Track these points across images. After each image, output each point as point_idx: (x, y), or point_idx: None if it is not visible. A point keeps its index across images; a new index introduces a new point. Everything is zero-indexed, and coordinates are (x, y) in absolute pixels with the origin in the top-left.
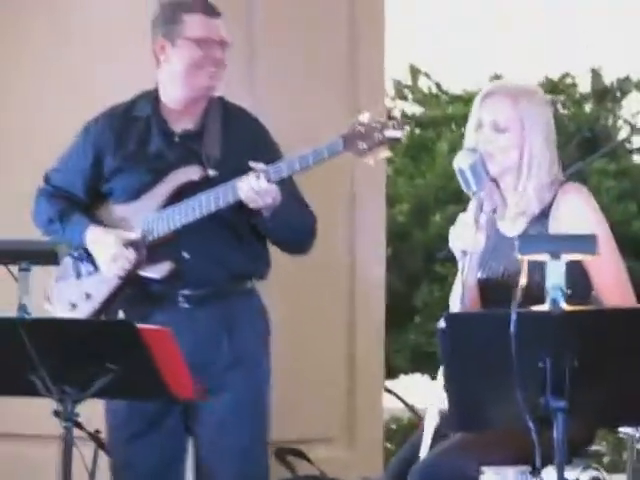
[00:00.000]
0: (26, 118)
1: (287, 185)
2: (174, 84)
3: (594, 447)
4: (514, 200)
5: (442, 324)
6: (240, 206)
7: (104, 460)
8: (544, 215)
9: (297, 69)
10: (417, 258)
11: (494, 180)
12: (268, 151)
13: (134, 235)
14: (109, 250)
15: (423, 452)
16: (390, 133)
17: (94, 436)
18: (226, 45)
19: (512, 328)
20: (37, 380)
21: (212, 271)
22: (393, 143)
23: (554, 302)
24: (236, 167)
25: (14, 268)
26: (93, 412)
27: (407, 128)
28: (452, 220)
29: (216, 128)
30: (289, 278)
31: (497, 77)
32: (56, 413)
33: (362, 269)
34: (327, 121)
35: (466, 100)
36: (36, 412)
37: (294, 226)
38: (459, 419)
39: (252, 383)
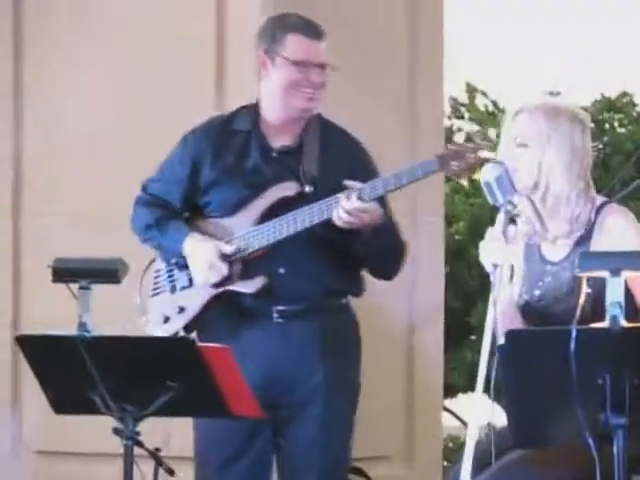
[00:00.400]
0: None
1: (385, 208)
2: (272, 101)
3: None
4: (550, 220)
5: (502, 341)
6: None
7: (164, 478)
8: (587, 237)
9: (358, 89)
10: (473, 276)
11: (529, 199)
12: (366, 172)
13: (230, 248)
14: (206, 257)
15: (465, 473)
16: (484, 154)
17: (154, 454)
18: (326, 67)
19: (572, 345)
20: (97, 398)
21: (306, 287)
22: (483, 164)
23: (614, 319)
24: (332, 185)
25: (75, 286)
26: (154, 430)
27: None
28: None
29: (314, 145)
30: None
31: (554, 94)
32: (116, 431)
33: (422, 288)
34: (388, 141)
35: None
36: (97, 430)
37: (390, 250)
38: (519, 436)
39: (342, 400)
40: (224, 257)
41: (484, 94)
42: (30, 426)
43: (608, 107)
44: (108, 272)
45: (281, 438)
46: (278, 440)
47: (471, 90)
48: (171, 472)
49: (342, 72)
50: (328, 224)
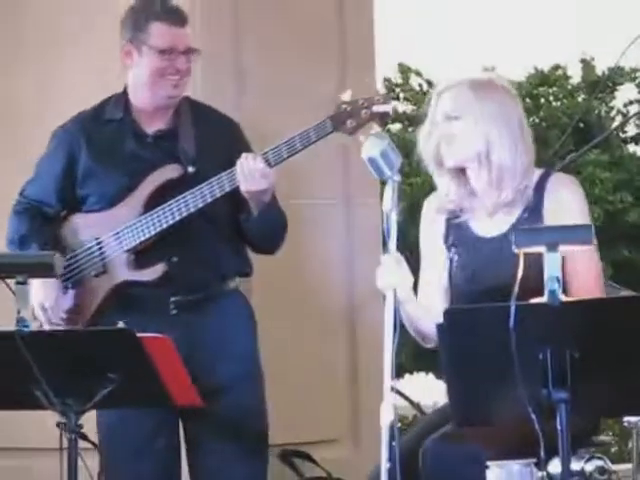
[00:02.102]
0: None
1: None
2: (140, 89)
3: (600, 437)
4: (489, 196)
5: (441, 320)
6: (227, 202)
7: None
8: (536, 208)
9: (288, 75)
10: (414, 257)
11: (461, 170)
12: (243, 147)
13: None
14: (38, 300)
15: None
16: (378, 108)
17: (99, 447)
18: (192, 53)
19: (511, 321)
20: (39, 393)
21: (202, 274)
22: (382, 118)
23: (552, 294)
24: (213, 164)
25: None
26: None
27: (393, 102)
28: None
29: (188, 127)
30: (289, 281)
31: (487, 70)
32: (60, 425)
33: (360, 269)
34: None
35: None
36: (40, 425)
37: (276, 227)
38: (461, 414)
39: (252, 382)
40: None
41: (418, 74)
42: None
43: (542, 81)
44: (44, 266)
45: (188, 431)
46: (186, 433)
47: (404, 70)
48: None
49: (272, 57)
50: (217, 204)
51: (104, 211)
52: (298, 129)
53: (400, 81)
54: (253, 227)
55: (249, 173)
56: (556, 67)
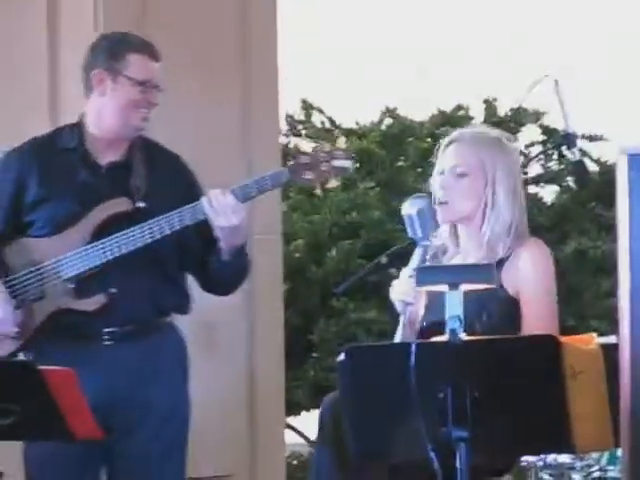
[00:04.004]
0: None
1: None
2: (108, 118)
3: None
4: (468, 247)
5: (342, 357)
6: (173, 238)
7: None
8: (498, 265)
9: (192, 109)
10: (314, 294)
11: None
12: (191, 187)
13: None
14: None
15: None
16: (338, 163)
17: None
18: (159, 89)
19: (412, 359)
20: None
21: (138, 307)
22: (341, 173)
23: (453, 332)
24: (164, 200)
25: None
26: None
27: (354, 159)
28: (348, 255)
29: (141, 162)
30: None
31: (390, 110)
32: None
33: (260, 305)
34: (223, 159)
35: (360, 134)
36: None
37: (242, 273)
38: (361, 451)
39: (176, 424)
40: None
41: (320, 111)
42: None
43: (444, 121)
44: None
45: (110, 464)
46: (108, 466)
47: (307, 107)
48: None
49: (176, 91)
50: (165, 240)
51: (50, 236)
52: (204, 160)
53: (303, 118)
54: (221, 272)
55: (220, 208)
56: (458, 107)
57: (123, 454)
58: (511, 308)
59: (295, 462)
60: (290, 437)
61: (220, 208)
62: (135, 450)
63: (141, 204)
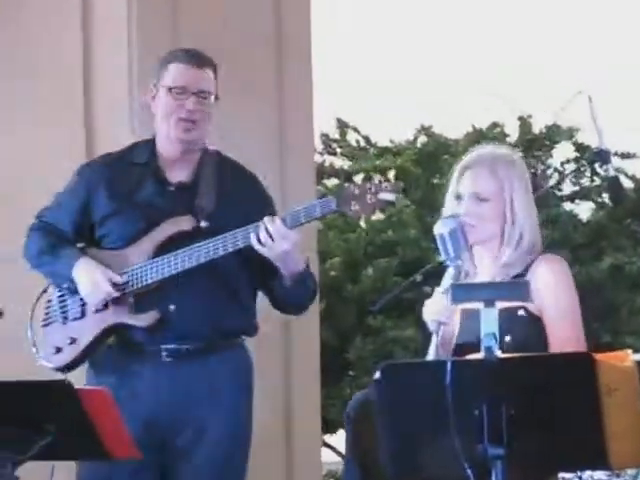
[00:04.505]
0: None
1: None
2: (158, 133)
3: None
4: (482, 266)
5: (378, 375)
6: (245, 264)
7: None
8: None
9: (226, 127)
10: (350, 312)
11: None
12: (264, 206)
13: (119, 278)
14: (93, 277)
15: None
16: (383, 196)
17: None
18: (206, 95)
19: (447, 377)
20: None
21: (198, 326)
22: (385, 205)
23: (488, 350)
24: (229, 221)
25: None
26: (33, 473)
27: (400, 190)
28: (384, 273)
29: (211, 181)
30: None
31: (425, 129)
32: None
33: (296, 324)
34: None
35: (395, 152)
36: None
37: (306, 294)
38: (396, 469)
39: (233, 445)
40: (113, 285)
41: (355, 130)
42: None
43: (479, 139)
44: None
45: (172, 477)
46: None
47: (342, 126)
48: None
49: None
50: (228, 260)
51: (119, 250)
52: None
53: (337, 136)
54: (284, 295)
55: (267, 235)
56: (494, 125)
57: (180, 475)
58: (535, 326)
59: None
60: (326, 455)
61: (267, 235)
62: (190, 472)
63: (203, 224)
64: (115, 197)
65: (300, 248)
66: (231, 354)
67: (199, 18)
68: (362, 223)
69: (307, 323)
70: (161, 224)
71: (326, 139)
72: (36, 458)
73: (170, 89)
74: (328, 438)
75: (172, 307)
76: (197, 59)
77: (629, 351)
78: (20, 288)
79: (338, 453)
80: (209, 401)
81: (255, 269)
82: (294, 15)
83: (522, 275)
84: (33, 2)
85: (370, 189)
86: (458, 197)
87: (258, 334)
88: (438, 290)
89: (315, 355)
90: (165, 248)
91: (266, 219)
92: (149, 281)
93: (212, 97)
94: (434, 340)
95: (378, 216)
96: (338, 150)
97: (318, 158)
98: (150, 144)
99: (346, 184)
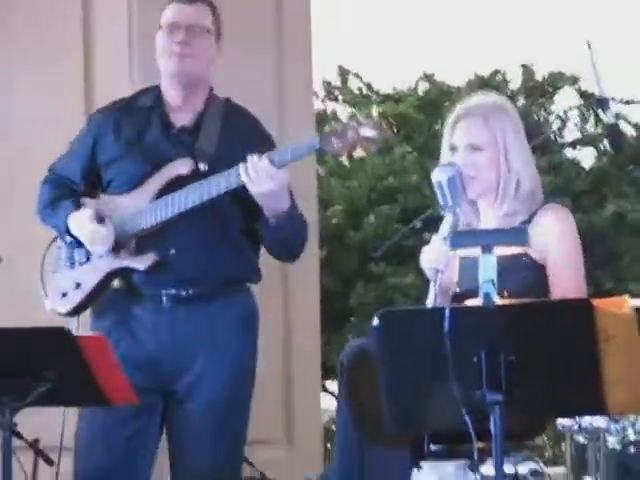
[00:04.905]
0: None
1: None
2: (162, 77)
3: (534, 440)
4: (487, 219)
5: (376, 322)
6: (241, 208)
7: (43, 468)
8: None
9: (224, 75)
10: (352, 259)
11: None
12: (266, 150)
13: (104, 212)
14: (86, 228)
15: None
16: (364, 132)
17: (33, 445)
18: (198, 30)
19: (446, 324)
20: None
21: (198, 271)
22: (368, 143)
23: (487, 296)
24: (230, 164)
25: None
26: (31, 421)
27: (384, 128)
28: (386, 220)
29: (215, 126)
30: None
31: (427, 76)
32: None
33: (295, 271)
34: None
35: (397, 99)
36: None
37: (295, 238)
38: (396, 417)
39: (233, 390)
40: (99, 220)
41: (358, 76)
42: None
43: (482, 85)
44: None
45: (170, 422)
46: (168, 424)
47: (344, 73)
48: (50, 462)
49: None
50: (226, 202)
51: (124, 195)
52: None
53: (339, 84)
54: (269, 236)
55: (254, 174)
56: (495, 72)
57: (179, 420)
58: (537, 273)
59: (334, 427)
60: (329, 402)
61: (254, 172)
62: (189, 417)
63: (202, 166)
64: (121, 140)
65: (300, 196)
66: (233, 300)
67: None
68: (344, 160)
69: (307, 269)
70: (163, 167)
71: (328, 86)
72: (34, 404)
73: (164, 27)
74: (330, 384)
75: (172, 251)
76: None
77: (627, 297)
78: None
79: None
80: (209, 347)
81: (248, 212)
82: None
83: (527, 223)
84: None
85: (352, 126)
86: (452, 148)
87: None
88: (436, 237)
89: (315, 301)
90: (166, 192)
91: (255, 157)
92: (148, 225)
93: (208, 33)
94: (432, 288)
95: (377, 160)
96: (340, 97)
97: (320, 105)
98: (156, 90)
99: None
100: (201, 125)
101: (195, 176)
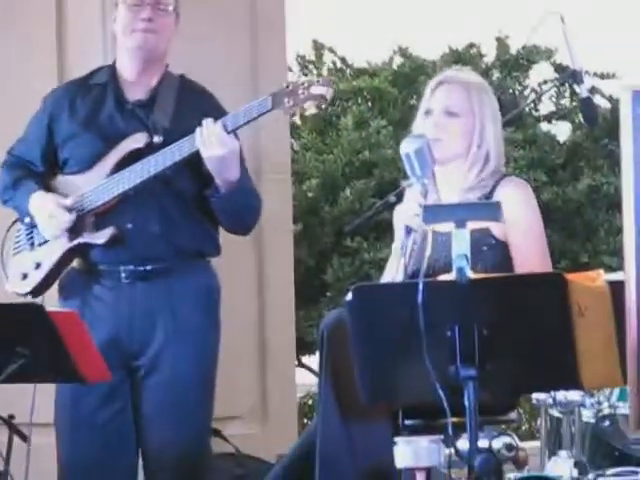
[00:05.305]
0: None
1: (243, 171)
2: (119, 52)
3: (509, 415)
4: (448, 189)
5: (349, 297)
6: (198, 181)
7: (18, 444)
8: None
9: (199, 48)
10: (327, 234)
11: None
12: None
13: (68, 201)
14: (46, 209)
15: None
16: (315, 90)
17: (8, 421)
18: (163, 7)
19: (419, 298)
20: None
21: (155, 245)
22: (318, 100)
23: (460, 271)
24: (184, 136)
25: None
26: (6, 397)
27: (333, 85)
28: (362, 194)
29: (169, 100)
30: None
31: (402, 50)
32: None
33: (270, 245)
34: (229, 96)
35: (371, 73)
36: None
37: (243, 208)
38: (370, 390)
39: (194, 362)
40: (65, 209)
41: (332, 51)
42: None
43: (456, 60)
44: None
45: (135, 399)
46: (133, 401)
47: (318, 47)
48: (24, 437)
49: (183, 29)
50: (182, 174)
51: (80, 174)
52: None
53: (314, 58)
54: (219, 206)
55: (207, 137)
56: (470, 45)
57: (144, 395)
58: (500, 250)
59: (311, 402)
60: (305, 377)
61: (207, 137)
62: (153, 392)
63: (156, 139)
64: (75, 118)
65: (274, 170)
66: (193, 274)
67: None
68: (295, 117)
69: (281, 243)
70: (119, 143)
71: (302, 61)
72: (9, 381)
73: (129, 5)
74: (306, 359)
75: (129, 225)
76: None
77: (601, 271)
78: None
79: (316, 374)
80: (170, 321)
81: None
82: None
83: (488, 197)
84: None
85: (303, 84)
86: (427, 112)
87: (232, 258)
88: (410, 195)
89: (289, 276)
90: (122, 167)
91: (208, 120)
92: (102, 201)
93: (170, 8)
94: (398, 262)
95: (352, 134)
96: (314, 72)
97: (295, 79)
98: (111, 67)
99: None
100: (155, 99)
101: (150, 149)
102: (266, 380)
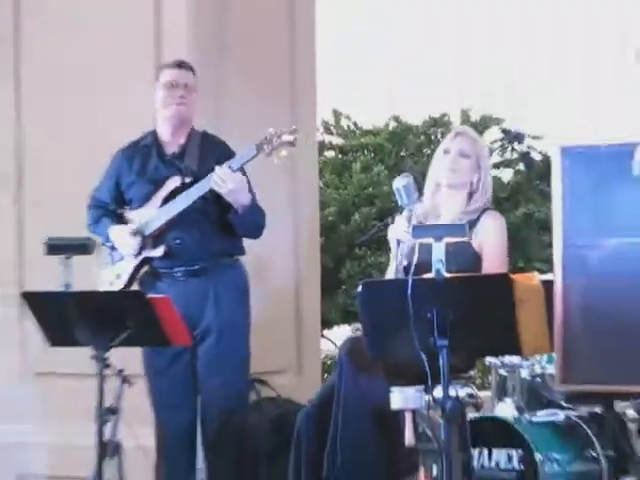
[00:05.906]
0: None
1: (252, 195)
2: (158, 119)
3: (469, 372)
4: (449, 210)
5: (360, 289)
6: (219, 203)
7: (127, 390)
8: (470, 227)
9: (246, 119)
10: (342, 245)
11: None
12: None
13: (135, 226)
14: (121, 238)
15: None
16: (285, 137)
17: (119, 373)
18: (189, 87)
19: (409, 290)
20: (80, 335)
21: (197, 252)
22: (288, 145)
23: (437, 272)
24: (207, 174)
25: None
26: (121, 356)
27: (298, 135)
28: (366, 218)
29: (195, 150)
30: (255, 265)
31: (395, 117)
32: (93, 357)
33: (303, 252)
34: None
35: (374, 133)
36: (81, 357)
37: (255, 223)
38: (375, 351)
39: (232, 332)
40: (134, 233)
41: (347, 117)
42: (31, 355)
43: (433, 124)
44: (83, 247)
45: (194, 357)
46: (192, 358)
47: (337, 115)
48: (129, 383)
49: (231, 99)
50: (209, 202)
51: (140, 208)
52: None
53: (333, 122)
54: (237, 222)
55: (218, 178)
56: (443, 115)
57: (201, 355)
58: (475, 259)
59: (329, 362)
60: (326, 345)
61: (218, 178)
62: (206, 352)
63: (187, 179)
64: (133, 171)
65: (306, 201)
66: (226, 271)
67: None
68: (274, 160)
69: (311, 252)
70: (164, 184)
71: (325, 124)
72: (119, 345)
73: (164, 84)
74: (327, 332)
75: (177, 241)
76: (181, 63)
77: (536, 273)
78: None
79: (333, 343)
80: (213, 304)
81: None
82: (303, 20)
83: (474, 222)
84: None
85: (276, 133)
86: (446, 151)
87: (276, 259)
88: (399, 218)
89: (317, 273)
90: (167, 201)
91: (217, 167)
92: (157, 226)
93: (195, 89)
94: (393, 262)
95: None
96: (334, 131)
97: (320, 137)
98: (153, 132)
99: None
100: (185, 151)
101: (184, 187)
102: (301, 344)
